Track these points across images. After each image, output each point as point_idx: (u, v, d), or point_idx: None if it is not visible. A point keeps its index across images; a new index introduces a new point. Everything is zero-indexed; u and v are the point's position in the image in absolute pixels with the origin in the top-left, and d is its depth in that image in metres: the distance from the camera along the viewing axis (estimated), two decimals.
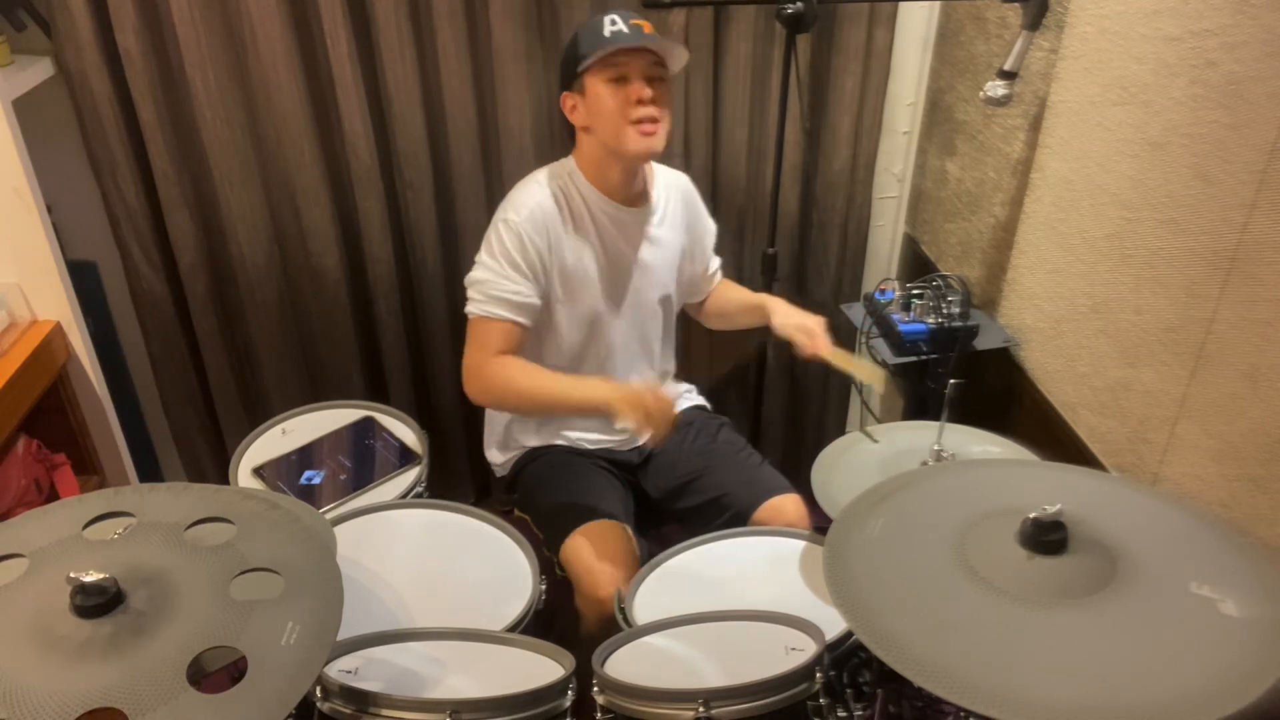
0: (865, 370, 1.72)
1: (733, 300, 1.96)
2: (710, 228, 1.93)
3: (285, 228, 2.14)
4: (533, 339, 1.72)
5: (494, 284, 1.64)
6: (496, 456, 1.96)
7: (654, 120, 1.60)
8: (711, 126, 2.20)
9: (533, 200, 1.65)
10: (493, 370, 1.65)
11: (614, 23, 1.58)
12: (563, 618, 1.84)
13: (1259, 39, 1.30)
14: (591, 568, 1.64)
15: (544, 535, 1.78)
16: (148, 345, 2.22)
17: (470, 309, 1.66)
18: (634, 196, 1.74)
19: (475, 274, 1.67)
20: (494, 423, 1.95)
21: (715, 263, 1.98)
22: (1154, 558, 1.15)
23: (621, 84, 1.58)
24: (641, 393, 1.54)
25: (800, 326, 1.75)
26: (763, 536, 1.66)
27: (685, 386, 2.02)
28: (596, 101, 1.60)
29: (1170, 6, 1.46)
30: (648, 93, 1.58)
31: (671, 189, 1.83)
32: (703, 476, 1.83)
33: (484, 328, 1.65)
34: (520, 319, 1.65)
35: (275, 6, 1.89)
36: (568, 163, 1.72)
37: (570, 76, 1.63)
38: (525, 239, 1.63)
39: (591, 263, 1.71)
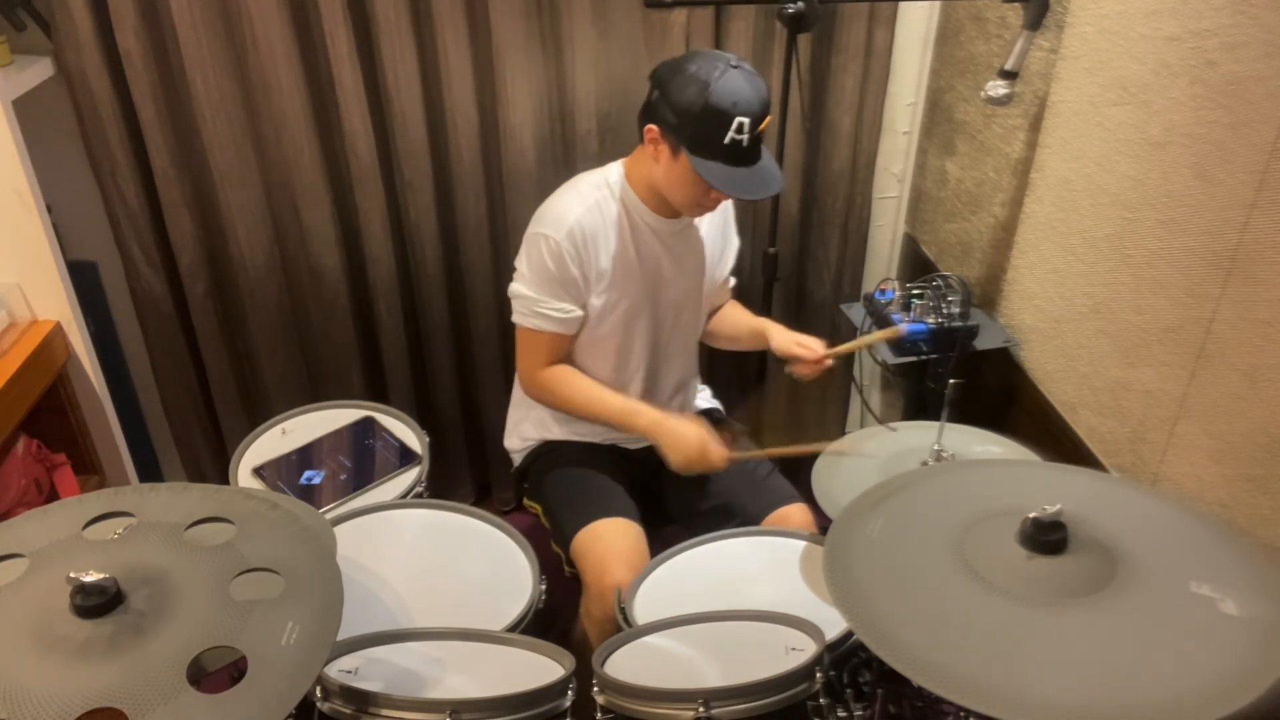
0: (876, 335, 1.72)
1: (739, 323, 1.95)
2: (734, 244, 1.92)
3: (285, 228, 2.14)
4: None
5: (536, 301, 1.67)
6: (515, 444, 1.96)
7: (720, 202, 1.65)
8: None
9: (572, 217, 1.64)
10: (544, 380, 1.74)
11: (740, 129, 1.51)
12: (563, 618, 1.85)
13: (1259, 39, 1.30)
14: (603, 565, 1.64)
15: (553, 528, 1.79)
16: (148, 345, 2.22)
17: (515, 319, 1.72)
18: (676, 211, 1.72)
19: (516, 287, 1.70)
20: (515, 411, 1.96)
21: (732, 280, 1.98)
22: (1154, 558, 1.15)
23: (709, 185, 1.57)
24: (690, 439, 1.63)
25: (799, 341, 1.79)
26: (763, 537, 1.66)
27: (702, 388, 2.02)
28: (678, 176, 1.59)
29: (1170, 6, 1.46)
30: (726, 198, 1.63)
31: None
32: (712, 482, 1.83)
33: (530, 337, 1.71)
34: (563, 331, 1.70)
35: (275, 6, 1.88)
36: (616, 171, 1.70)
37: (672, 127, 1.55)
38: (565, 258, 1.63)
39: (628, 270, 1.71)
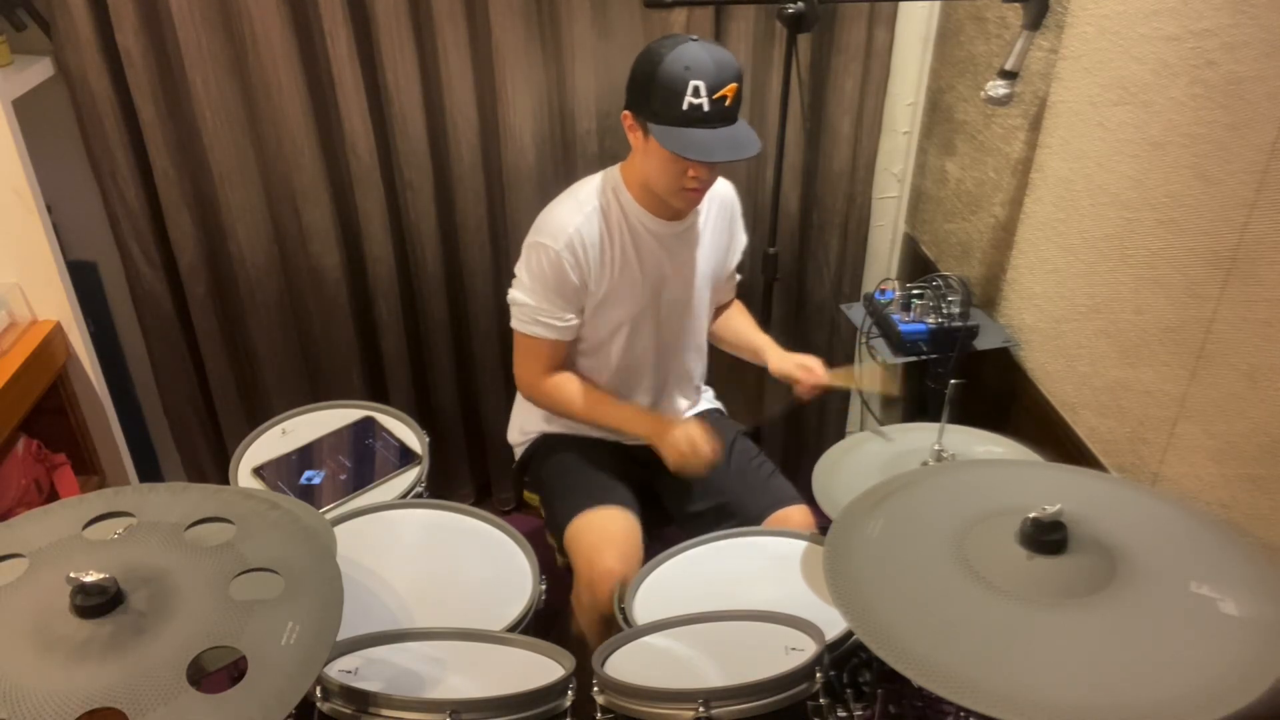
0: (872, 378, 1.68)
1: (740, 335, 1.95)
2: (740, 241, 1.92)
3: (285, 228, 2.14)
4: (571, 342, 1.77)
5: (534, 309, 1.69)
6: (516, 437, 1.97)
7: (704, 185, 1.62)
8: None
9: (571, 226, 1.64)
10: (546, 389, 1.76)
11: (696, 93, 1.50)
12: (563, 618, 1.85)
13: (1259, 39, 1.30)
14: (594, 553, 1.64)
15: (548, 516, 1.79)
16: (148, 345, 2.22)
17: (514, 324, 1.73)
18: (677, 211, 1.72)
19: (515, 294, 1.72)
20: (518, 406, 1.97)
21: (736, 277, 1.98)
22: (1154, 558, 1.15)
23: (683, 159, 1.55)
24: (680, 440, 1.67)
25: (799, 364, 1.78)
26: (763, 537, 1.66)
27: (705, 390, 2.02)
28: (654, 159, 1.58)
29: (1170, 6, 1.46)
30: (706, 174, 1.59)
31: (713, 198, 1.79)
32: (713, 482, 1.83)
33: (529, 343, 1.73)
34: (562, 339, 1.73)
35: (275, 6, 1.89)
36: (613, 175, 1.70)
37: (638, 106, 1.57)
38: (564, 268, 1.64)
39: (630, 276, 1.71)
